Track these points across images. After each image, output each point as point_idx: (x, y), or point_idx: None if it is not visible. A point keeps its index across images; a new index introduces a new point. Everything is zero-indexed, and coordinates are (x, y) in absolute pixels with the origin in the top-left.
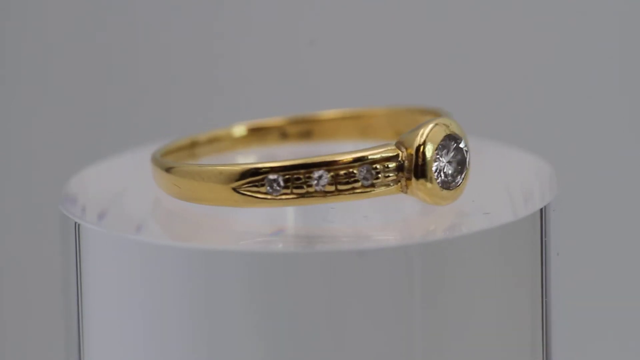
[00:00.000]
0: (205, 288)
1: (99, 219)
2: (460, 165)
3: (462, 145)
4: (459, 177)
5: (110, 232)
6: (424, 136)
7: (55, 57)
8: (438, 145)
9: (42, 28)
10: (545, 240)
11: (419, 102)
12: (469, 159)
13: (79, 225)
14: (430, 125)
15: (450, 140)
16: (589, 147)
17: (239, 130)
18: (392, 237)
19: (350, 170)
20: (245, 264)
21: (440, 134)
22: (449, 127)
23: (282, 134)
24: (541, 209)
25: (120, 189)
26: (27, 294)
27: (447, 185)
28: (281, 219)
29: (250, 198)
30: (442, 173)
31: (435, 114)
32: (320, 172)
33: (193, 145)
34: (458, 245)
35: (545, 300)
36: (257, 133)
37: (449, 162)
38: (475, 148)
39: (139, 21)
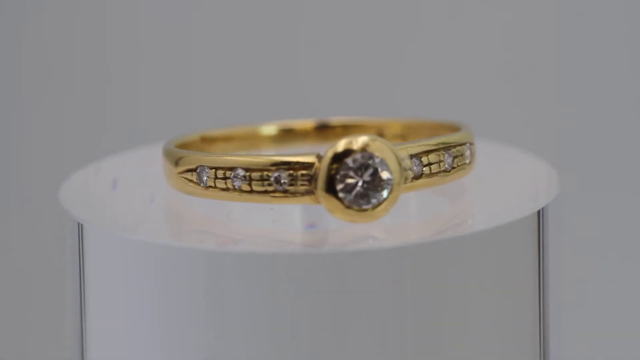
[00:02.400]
0: (206, 287)
1: (100, 217)
2: (376, 186)
3: (379, 166)
4: (374, 198)
5: (111, 231)
6: (335, 150)
7: (55, 56)
8: (346, 162)
9: (42, 28)
10: (545, 240)
11: (419, 103)
12: (395, 181)
13: (81, 224)
14: (346, 141)
15: (367, 159)
16: (589, 147)
17: (270, 129)
18: (392, 238)
19: (266, 173)
20: (245, 264)
21: (355, 151)
22: (370, 145)
23: (300, 135)
24: (541, 209)
25: (121, 187)
26: (29, 293)
27: (357, 203)
28: (287, 220)
29: (185, 185)
30: (352, 190)
31: (454, 128)
32: (239, 171)
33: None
34: (458, 245)
35: (544, 300)
36: (287, 133)
37: (366, 181)
38: (475, 148)
39: (139, 22)
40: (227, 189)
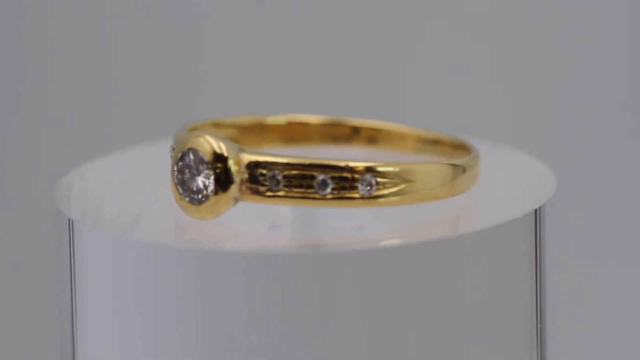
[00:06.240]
0: (201, 288)
1: (94, 216)
2: (203, 185)
3: (204, 166)
4: (194, 197)
5: (105, 231)
6: (177, 145)
7: (53, 55)
8: (182, 157)
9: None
10: (541, 240)
11: (417, 102)
12: (220, 184)
13: (72, 222)
14: (189, 137)
15: (187, 158)
16: (586, 147)
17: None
18: (389, 238)
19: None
20: (242, 264)
21: (190, 149)
22: (201, 145)
23: (316, 133)
24: (537, 209)
25: (117, 187)
26: (22, 292)
27: (188, 198)
28: (278, 220)
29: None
30: (182, 184)
31: (466, 149)
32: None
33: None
34: (454, 245)
35: (542, 300)
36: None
37: (205, 178)
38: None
39: (141, 22)
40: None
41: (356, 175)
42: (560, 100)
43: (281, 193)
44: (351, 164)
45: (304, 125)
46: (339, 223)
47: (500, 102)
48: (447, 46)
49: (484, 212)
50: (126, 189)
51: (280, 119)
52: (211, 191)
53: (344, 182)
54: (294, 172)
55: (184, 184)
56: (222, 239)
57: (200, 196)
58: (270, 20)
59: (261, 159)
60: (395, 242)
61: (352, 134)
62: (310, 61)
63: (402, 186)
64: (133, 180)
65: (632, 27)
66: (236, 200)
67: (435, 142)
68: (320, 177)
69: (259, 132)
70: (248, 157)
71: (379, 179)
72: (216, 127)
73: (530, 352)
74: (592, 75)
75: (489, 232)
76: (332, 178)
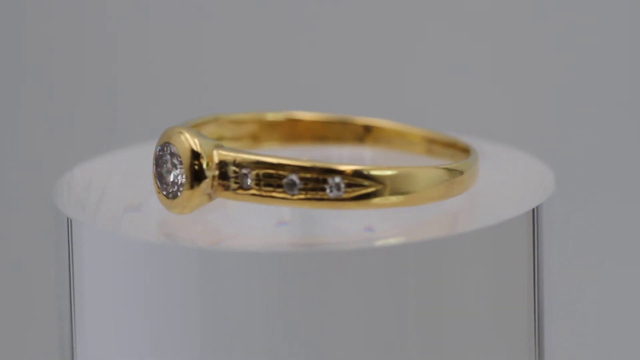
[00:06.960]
0: (201, 286)
1: (92, 215)
2: (177, 179)
3: (176, 161)
4: (170, 190)
5: (103, 229)
6: (161, 137)
7: (53, 54)
8: (157, 149)
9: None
10: (539, 239)
11: (415, 101)
12: (191, 179)
13: (71, 220)
14: (168, 132)
15: (164, 152)
16: (584, 146)
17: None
18: (387, 237)
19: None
20: (243, 264)
21: (167, 143)
22: (178, 140)
23: (321, 131)
24: (535, 208)
25: (116, 185)
26: (22, 292)
27: (163, 191)
28: (279, 217)
29: None
30: (160, 177)
31: (465, 150)
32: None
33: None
34: (454, 243)
35: (540, 299)
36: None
37: (176, 174)
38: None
39: (141, 22)
40: None
41: (325, 176)
42: (559, 99)
43: (252, 191)
44: (318, 165)
45: (309, 123)
46: (345, 223)
47: (500, 101)
48: (447, 46)
49: (483, 211)
50: (125, 188)
51: (283, 116)
52: (184, 186)
53: (313, 183)
54: (263, 171)
55: (161, 178)
56: (222, 237)
57: (175, 189)
58: (271, 20)
59: (232, 156)
60: (393, 241)
61: (363, 134)
62: (310, 61)
63: (372, 189)
64: (132, 178)
65: (632, 27)
66: (210, 196)
67: (448, 145)
68: (289, 177)
69: (263, 129)
70: (220, 154)
71: (347, 181)
72: (218, 123)
73: (529, 350)
74: (592, 75)
75: (487, 230)
76: (302, 179)
